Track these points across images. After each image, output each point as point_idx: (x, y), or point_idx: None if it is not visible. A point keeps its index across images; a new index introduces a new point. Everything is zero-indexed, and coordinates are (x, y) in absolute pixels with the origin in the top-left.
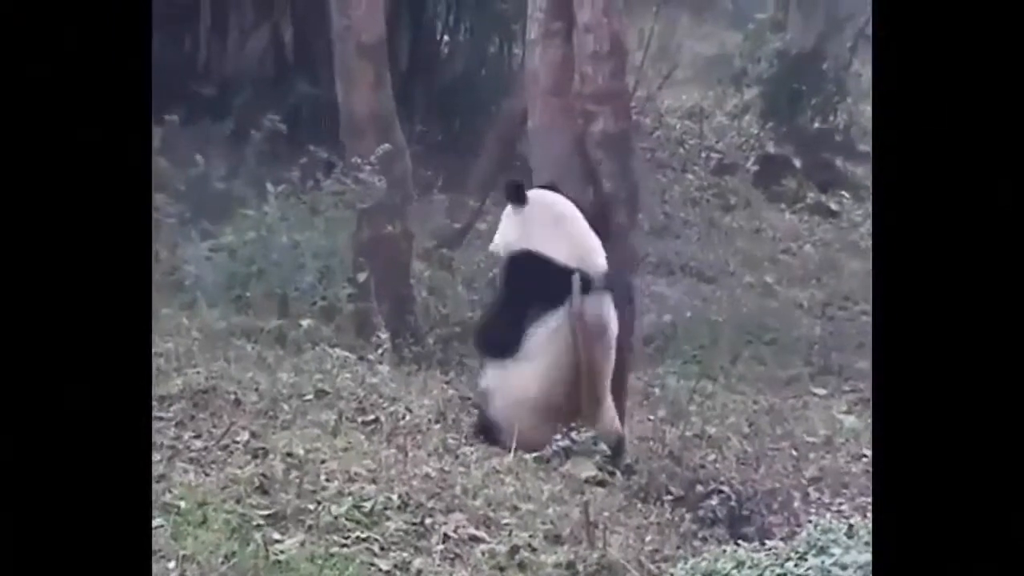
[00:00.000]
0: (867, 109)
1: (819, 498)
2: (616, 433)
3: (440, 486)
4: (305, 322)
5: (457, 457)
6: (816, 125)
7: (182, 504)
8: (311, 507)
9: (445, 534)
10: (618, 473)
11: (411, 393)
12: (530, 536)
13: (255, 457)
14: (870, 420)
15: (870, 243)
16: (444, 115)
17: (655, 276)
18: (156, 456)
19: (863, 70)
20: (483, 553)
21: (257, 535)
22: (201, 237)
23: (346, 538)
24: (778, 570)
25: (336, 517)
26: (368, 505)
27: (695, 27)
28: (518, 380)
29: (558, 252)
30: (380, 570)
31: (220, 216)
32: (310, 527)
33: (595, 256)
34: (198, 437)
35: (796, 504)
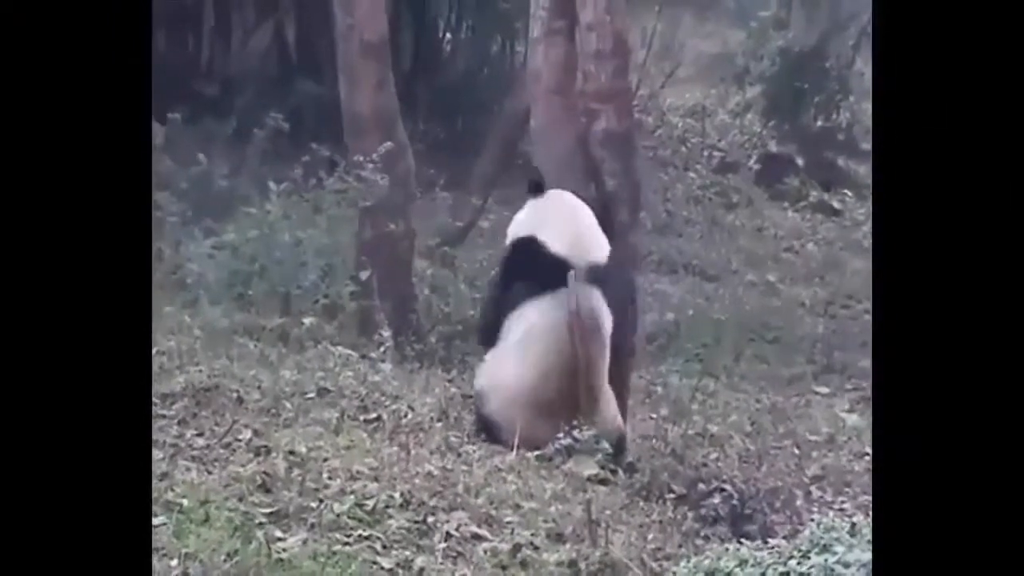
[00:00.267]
0: (870, 107)
1: (821, 496)
2: (618, 431)
3: (442, 484)
4: (307, 320)
5: (459, 455)
6: (819, 123)
7: (184, 502)
8: (313, 505)
9: (447, 532)
10: (620, 471)
11: (413, 391)
12: (532, 534)
13: (257, 455)
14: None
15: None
16: (447, 114)
17: (657, 274)
18: (159, 454)
19: (866, 68)
20: (485, 551)
21: (259, 533)
22: (204, 235)
23: (348, 536)
24: (781, 568)
25: (338, 515)
26: (370, 503)
27: (698, 25)
28: (511, 372)
29: (555, 242)
30: (382, 568)
31: (223, 214)
32: (312, 525)
33: (593, 251)
34: (200, 435)
35: (798, 502)
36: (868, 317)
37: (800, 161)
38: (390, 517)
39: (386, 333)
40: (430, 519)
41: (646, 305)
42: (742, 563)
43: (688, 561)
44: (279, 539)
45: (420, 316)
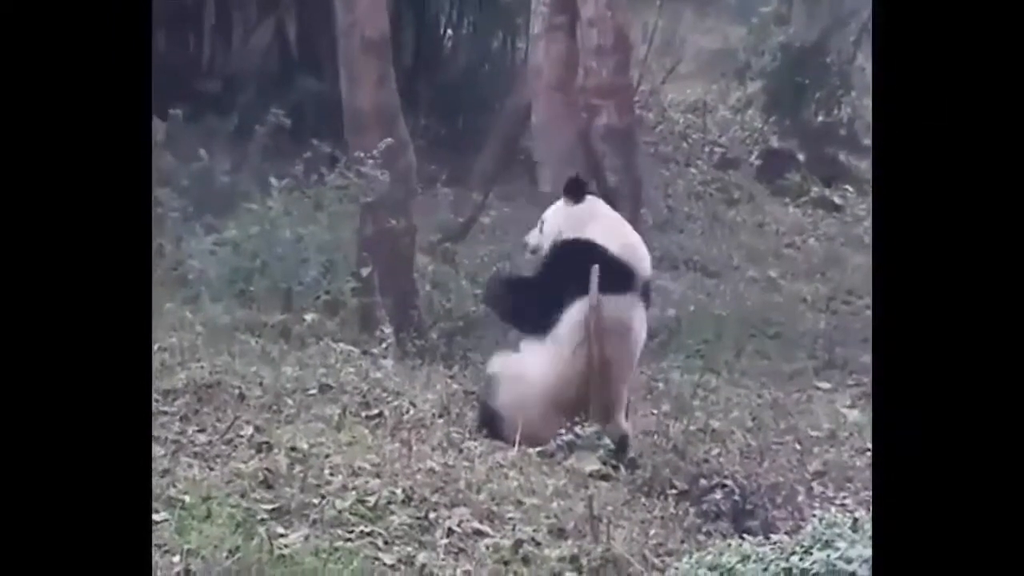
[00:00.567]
0: (871, 103)
1: (823, 492)
2: (620, 429)
3: (444, 480)
4: (309, 316)
5: (461, 451)
6: (820, 119)
7: (186, 498)
8: (315, 501)
9: (449, 528)
10: (622, 467)
11: (415, 387)
12: (534, 530)
13: (259, 451)
14: None
15: None
16: (448, 110)
17: (659, 270)
18: (160, 450)
19: (867, 64)
20: (487, 547)
21: (261, 529)
22: (205, 231)
23: (350, 532)
24: (783, 564)
25: (340, 511)
26: (372, 499)
27: (699, 21)
28: (538, 365)
29: (612, 245)
30: (384, 564)
31: (224, 211)
32: (314, 521)
33: (645, 260)
34: (202, 431)
35: (800, 498)
36: (869, 313)
37: (801, 157)
38: (392, 513)
39: (387, 329)
40: (432, 515)
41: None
42: (744, 559)
43: (690, 557)
44: (281, 535)
45: (421, 312)
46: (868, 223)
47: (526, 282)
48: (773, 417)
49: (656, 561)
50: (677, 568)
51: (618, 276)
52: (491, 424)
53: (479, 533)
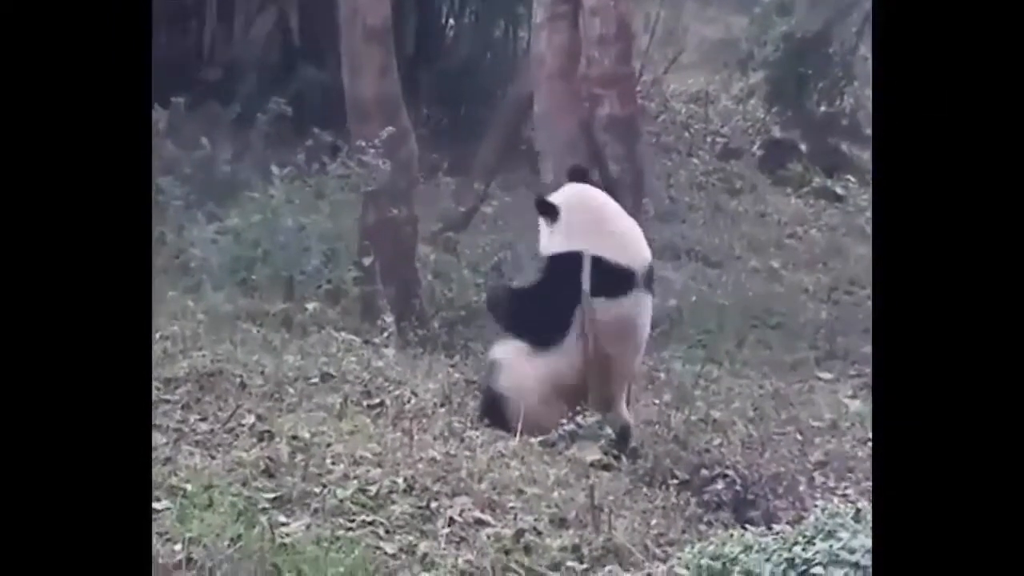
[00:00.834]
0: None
1: (824, 482)
2: (622, 419)
3: (445, 470)
4: (311, 305)
5: (463, 441)
6: (822, 109)
7: (188, 487)
8: (317, 490)
9: (451, 518)
10: (623, 457)
11: (416, 376)
12: (535, 520)
13: (261, 440)
14: None
15: None
16: (449, 99)
17: (661, 260)
18: (162, 439)
19: (869, 54)
20: (488, 537)
21: (263, 518)
22: (207, 220)
23: (352, 521)
24: (785, 554)
25: (342, 500)
26: (374, 488)
27: (701, 11)
28: (538, 357)
29: (608, 252)
30: (386, 553)
31: (226, 199)
32: (316, 510)
33: (643, 254)
34: (204, 420)
35: (801, 488)
36: (871, 303)
37: (803, 147)
38: (393, 502)
39: (389, 319)
40: (433, 504)
41: None
42: (746, 549)
43: (692, 547)
44: (282, 524)
45: (423, 302)
46: (870, 213)
47: (526, 293)
48: (775, 407)
49: (657, 551)
50: (679, 558)
51: (618, 280)
52: (494, 409)
53: (480, 522)
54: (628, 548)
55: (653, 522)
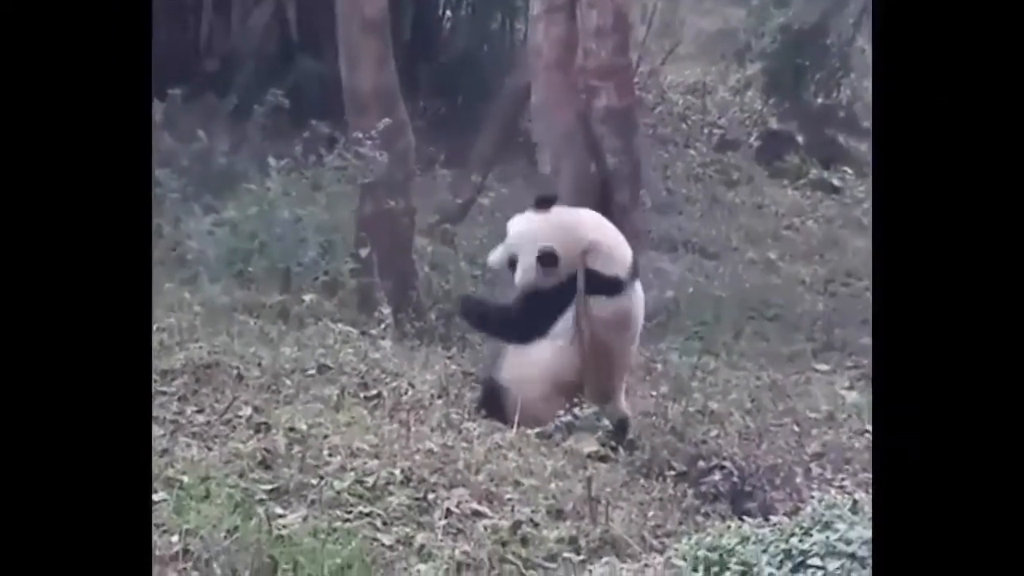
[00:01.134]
0: (870, 85)
1: (821, 474)
2: (620, 412)
3: (443, 461)
4: (307, 297)
5: (460, 432)
6: (819, 101)
7: (185, 478)
8: (314, 482)
9: (448, 509)
10: (620, 448)
11: (413, 368)
12: (532, 511)
13: (257, 432)
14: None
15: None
16: (447, 91)
17: (658, 252)
18: (159, 431)
19: (867, 46)
20: (485, 528)
21: (260, 509)
22: (203, 212)
23: (349, 513)
24: (783, 545)
25: (338, 492)
26: (371, 480)
27: (698, 2)
28: (535, 352)
29: (599, 264)
30: (383, 545)
31: (222, 191)
32: (313, 502)
33: (627, 258)
34: (201, 412)
35: (798, 480)
36: (868, 295)
37: (800, 139)
38: (390, 494)
39: (386, 310)
40: (430, 496)
41: (646, 283)
42: (743, 540)
43: (689, 538)
44: (279, 516)
45: (420, 293)
46: (867, 205)
47: (506, 311)
48: (772, 399)
49: (654, 542)
50: (676, 549)
51: (611, 283)
52: (493, 400)
53: (477, 514)
54: (625, 539)
55: (650, 513)
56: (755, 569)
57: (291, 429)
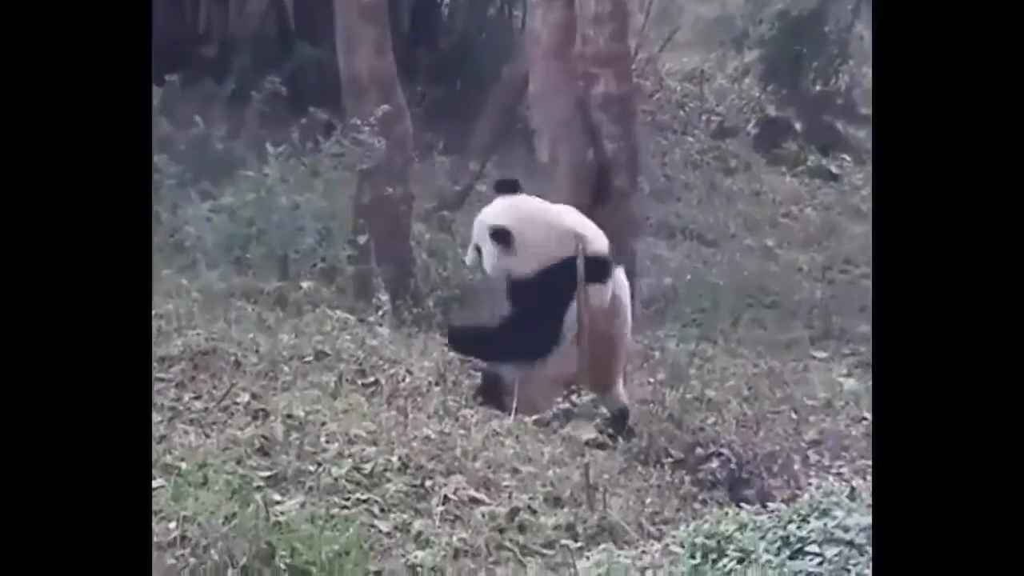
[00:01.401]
0: (869, 72)
1: (819, 461)
2: (620, 402)
3: (440, 448)
4: (305, 284)
5: (457, 419)
6: (817, 88)
7: (183, 465)
8: (311, 468)
9: (445, 496)
10: (618, 436)
11: (411, 355)
12: (530, 498)
13: (255, 418)
14: (870, 383)
15: (871, 206)
16: (445, 78)
17: (655, 239)
18: (157, 417)
19: (865, 32)
20: (483, 515)
21: (257, 496)
22: (201, 198)
23: (346, 499)
24: (780, 532)
25: (336, 479)
26: (368, 467)
27: None
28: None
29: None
30: (380, 531)
31: (220, 177)
32: (310, 488)
33: (601, 234)
34: (198, 398)
35: (796, 467)
36: (866, 282)
37: (798, 125)
38: (388, 481)
39: (384, 297)
40: (428, 483)
41: (644, 269)
42: (742, 527)
43: (687, 525)
44: (277, 502)
45: (418, 280)
46: (865, 192)
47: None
48: (769, 386)
49: (652, 529)
50: (673, 536)
51: (600, 267)
52: (492, 391)
53: (475, 501)
54: (623, 526)
55: (648, 500)
56: (753, 556)
57: (289, 416)
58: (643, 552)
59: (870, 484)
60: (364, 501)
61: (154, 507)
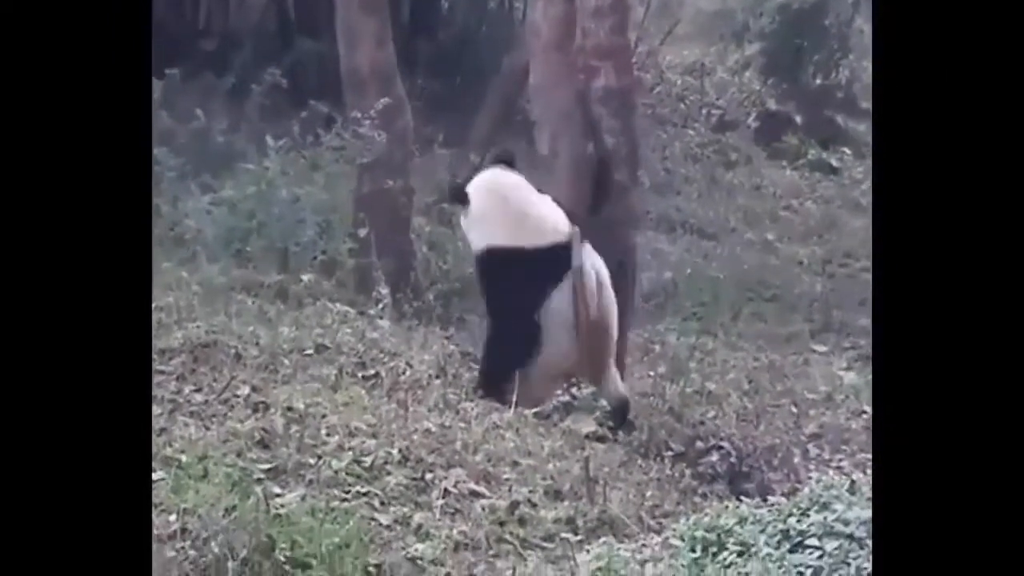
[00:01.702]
0: (869, 65)
1: (819, 454)
2: (620, 395)
3: (440, 441)
4: (305, 277)
5: (457, 412)
6: (818, 81)
7: (183, 458)
8: (311, 461)
9: (445, 489)
10: (619, 429)
11: (411, 348)
12: (530, 491)
13: (255, 411)
14: (870, 377)
15: (871, 200)
16: (445, 70)
17: (656, 232)
18: (157, 410)
19: (865, 26)
20: (483, 508)
21: (258, 489)
22: (201, 191)
23: (346, 492)
24: (780, 526)
25: (336, 471)
26: (368, 460)
27: None
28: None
29: (523, 239)
30: (380, 524)
31: (220, 170)
32: (310, 481)
33: (560, 223)
34: (199, 391)
35: (796, 460)
36: (866, 276)
37: (799, 119)
38: (388, 474)
39: (384, 290)
40: (428, 476)
41: (644, 263)
42: (741, 520)
43: (687, 519)
44: (277, 495)
45: (418, 273)
46: (865, 186)
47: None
48: (769, 380)
49: (652, 523)
50: (674, 530)
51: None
52: (491, 386)
53: (475, 494)
54: (623, 520)
55: (648, 494)
56: (753, 549)
57: (289, 409)
58: (643, 545)
59: (870, 478)
60: (364, 494)
61: (154, 500)
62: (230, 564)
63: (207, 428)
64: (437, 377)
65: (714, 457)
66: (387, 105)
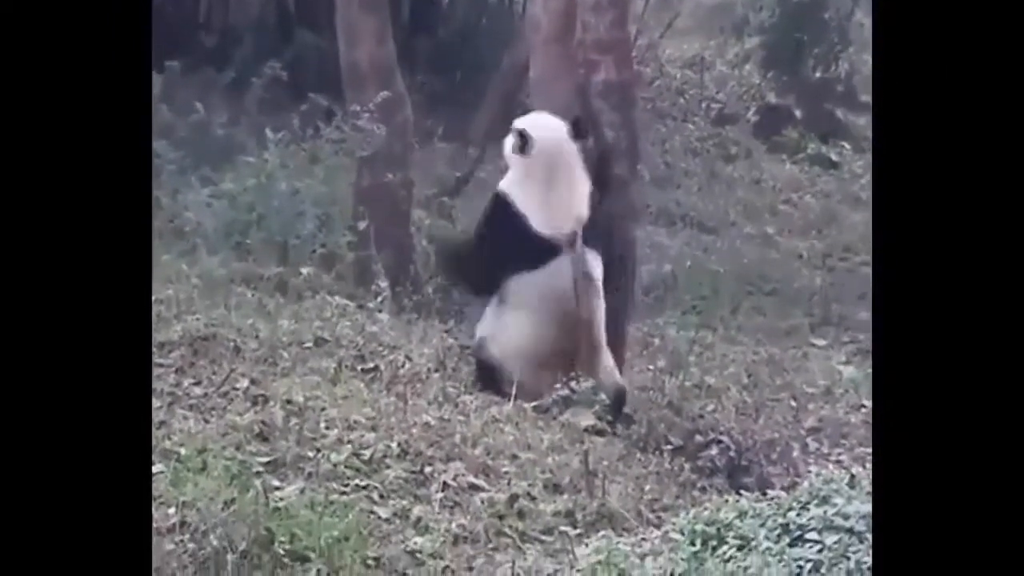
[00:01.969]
0: (869, 59)
1: (818, 448)
2: (617, 386)
3: (440, 434)
4: (305, 270)
5: (457, 406)
6: (818, 75)
7: (182, 451)
8: (311, 454)
9: (444, 482)
10: (618, 423)
11: (411, 341)
12: (529, 485)
13: (255, 404)
14: (869, 370)
15: (870, 194)
16: (445, 64)
17: (655, 226)
18: (156, 402)
19: (865, 20)
20: (482, 501)
21: (257, 482)
22: (201, 184)
23: (345, 486)
24: (780, 520)
25: (336, 465)
26: (368, 453)
27: None
28: (513, 328)
29: (538, 219)
30: (379, 517)
31: (220, 163)
32: (310, 474)
33: (578, 216)
34: (198, 384)
35: (795, 454)
36: (865, 270)
37: (799, 113)
38: (387, 467)
39: (383, 283)
40: (427, 469)
41: (644, 257)
42: (741, 515)
43: (686, 513)
44: (276, 488)
45: (417, 267)
46: (865, 180)
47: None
48: (769, 373)
49: (651, 516)
50: (673, 524)
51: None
52: (487, 375)
53: (474, 487)
54: (622, 513)
55: (647, 488)
56: (752, 543)
57: (288, 402)
58: (642, 539)
59: (870, 471)
60: (363, 487)
61: (153, 493)
62: (229, 557)
63: (206, 421)
64: (436, 370)
65: (713, 451)
66: (387, 99)
